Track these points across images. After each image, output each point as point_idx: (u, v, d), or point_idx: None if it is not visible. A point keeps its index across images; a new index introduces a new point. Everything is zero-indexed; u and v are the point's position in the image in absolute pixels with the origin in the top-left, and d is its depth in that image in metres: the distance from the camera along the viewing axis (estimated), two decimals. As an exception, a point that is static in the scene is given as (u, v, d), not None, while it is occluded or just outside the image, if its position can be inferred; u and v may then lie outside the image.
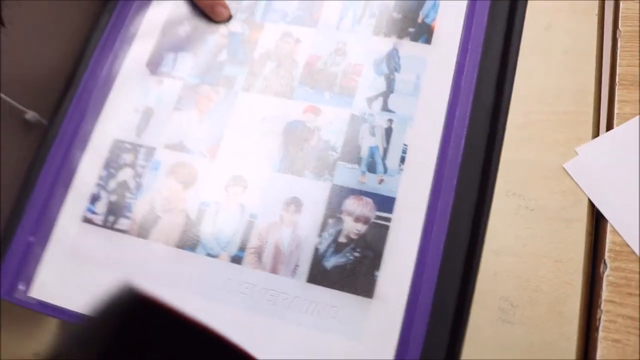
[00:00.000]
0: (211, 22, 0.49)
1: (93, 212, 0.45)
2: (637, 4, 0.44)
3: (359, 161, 0.42)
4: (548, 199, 0.39)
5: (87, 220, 0.45)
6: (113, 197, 0.45)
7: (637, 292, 0.36)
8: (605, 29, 0.44)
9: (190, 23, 0.50)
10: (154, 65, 0.49)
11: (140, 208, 0.44)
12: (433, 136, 0.42)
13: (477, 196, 0.40)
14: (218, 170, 0.44)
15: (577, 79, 0.42)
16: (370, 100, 0.44)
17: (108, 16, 0.52)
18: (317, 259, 0.40)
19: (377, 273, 0.39)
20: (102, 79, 0.49)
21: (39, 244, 0.45)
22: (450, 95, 0.43)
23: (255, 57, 0.47)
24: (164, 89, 0.48)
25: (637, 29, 0.43)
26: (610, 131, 0.40)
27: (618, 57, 0.43)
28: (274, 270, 0.40)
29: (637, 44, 0.43)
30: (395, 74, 0.44)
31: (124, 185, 0.45)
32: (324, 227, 0.41)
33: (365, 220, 0.40)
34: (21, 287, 0.44)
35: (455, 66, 0.43)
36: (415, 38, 0.45)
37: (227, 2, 0.49)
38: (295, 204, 0.42)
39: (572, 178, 0.39)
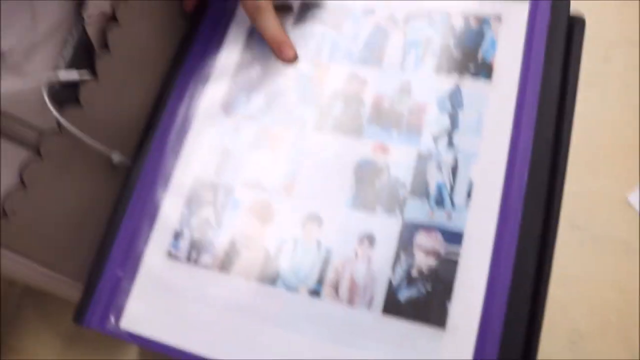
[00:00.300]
0: (280, 64, 0.52)
1: (177, 248, 0.48)
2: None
3: (427, 197, 0.44)
4: (612, 230, 0.41)
5: (172, 256, 0.48)
6: (195, 234, 0.48)
7: None
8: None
9: (260, 65, 0.53)
10: (228, 106, 0.52)
11: (221, 244, 0.47)
12: (497, 171, 0.43)
13: (541, 228, 0.42)
14: (294, 207, 0.47)
15: (638, 111, 0.43)
16: (436, 138, 0.46)
17: (184, 60, 0.55)
18: (391, 291, 0.42)
19: (448, 305, 0.41)
20: (180, 120, 0.53)
21: (127, 278, 0.49)
22: (512, 130, 0.44)
23: (323, 97, 0.50)
24: (239, 130, 0.51)
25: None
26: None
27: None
28: (350, 302, 0.43)
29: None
30: (459, 111, 0.46)
31: (205, 222, 0.48)
32: (396, 261, 0.43)
33: (436, 254, 0.42)
34: (112, 318, 0.48)
35: (516, 101, 0.45)
36: (476, 75, 0.47)
37: (293, 43, 0.52)
38: (368, 239, 0.44)
39: (635, 209, 0.41)
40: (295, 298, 0.44)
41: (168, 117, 0.53)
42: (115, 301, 0.48)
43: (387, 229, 0.44)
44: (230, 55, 0.54)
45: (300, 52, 0.52)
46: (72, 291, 0.51)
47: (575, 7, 0.45)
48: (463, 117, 0.46)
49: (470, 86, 0.47)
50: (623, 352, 0.37)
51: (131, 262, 0.49)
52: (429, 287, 0.42)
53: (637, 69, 0.44)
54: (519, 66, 0.46)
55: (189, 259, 0.48)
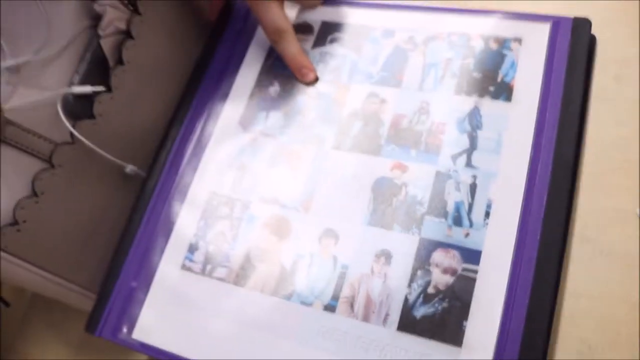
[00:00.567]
0: (300, 84, 0.53)
1: (192, 261, 0.48)
2: None
3: (445, 215, 0.44)
4: (623, 244, 0.41)
5: (186, 268, 0.48)
6: (211, 247, 0.48)
7: None
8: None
9: (280, 83, 0.53)
10: (247, 123, 0.53)
11: (236, 258, 0.47)
12: (516, 191, 0.43)
13: (560, 249, 0.41)
14: (311, 223, 0.47)
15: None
16: (454, 157, 0.46)
17: (202, 77, 0.56)
18: (407, 308, 0.42)
19: (465, 323, 0.41)
20: (197, 135, 0.53)
21: (141, 288, 0.48)
22: (531, 151, 0.44)
23: (343, 116, 0.50)
24: (257, 146, 0.51)
25: None
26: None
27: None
28: (365, 318, 0.43)
29: None
30: (478, 131, 0.46)
31: (221, 236, 0.48)
32: (413, 278, 0.43)
33: (453, 272, 0.42)
34: (124, 328, 0.48)
35: (536, 123, 0.45)
36: (495, 96, 0.47)
37: (314, 66, 0.53)
38: (385, 256, 0.44)
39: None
40: (310, 313, 0.44)
41: (185, 131, 0.54)
42: (129, 311, 0.48)
43: (404, 246, 0.44)
44: (249, 74, 0.55)
45: (320, 73, 0.53)
46: (83, 300, 0.51)
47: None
48: (482, 137, 0.46)
49: (490, 107, 0.47)
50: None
51: (145, 272, 0.49)
52: (445, 305, 0.41)
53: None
54: (539, 87, 0.46)
55: (203, 271, 0.48)
